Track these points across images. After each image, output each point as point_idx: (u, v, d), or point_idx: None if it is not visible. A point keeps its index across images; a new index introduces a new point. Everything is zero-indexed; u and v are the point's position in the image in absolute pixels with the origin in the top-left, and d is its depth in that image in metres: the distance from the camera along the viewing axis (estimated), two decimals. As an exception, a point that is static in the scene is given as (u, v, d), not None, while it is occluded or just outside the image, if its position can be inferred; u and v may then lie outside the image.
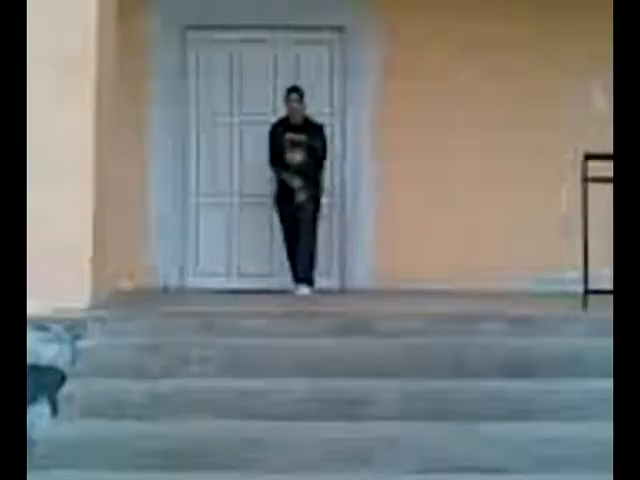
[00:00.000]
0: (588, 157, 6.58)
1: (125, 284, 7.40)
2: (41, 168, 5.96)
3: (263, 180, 8.93)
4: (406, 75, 8.99)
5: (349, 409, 5.13)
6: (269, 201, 8.84)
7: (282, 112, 8.75)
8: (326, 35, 9.40)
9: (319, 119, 8.80)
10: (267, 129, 8.71)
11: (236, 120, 9.36)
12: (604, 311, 5.34)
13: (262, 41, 9.32)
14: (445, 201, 9.04)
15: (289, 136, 8.58)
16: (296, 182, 8.44)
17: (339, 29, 9.32)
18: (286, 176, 8.52)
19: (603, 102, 8.48)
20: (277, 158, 8.61)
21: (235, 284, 9.00)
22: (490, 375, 5.38)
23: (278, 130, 8.65)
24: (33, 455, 4.83)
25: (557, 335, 5.74)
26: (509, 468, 4.69)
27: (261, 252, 9.21)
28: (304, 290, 8.22)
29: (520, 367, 5.43)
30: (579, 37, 8.98)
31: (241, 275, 9.21)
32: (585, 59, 8.88)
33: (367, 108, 9.23)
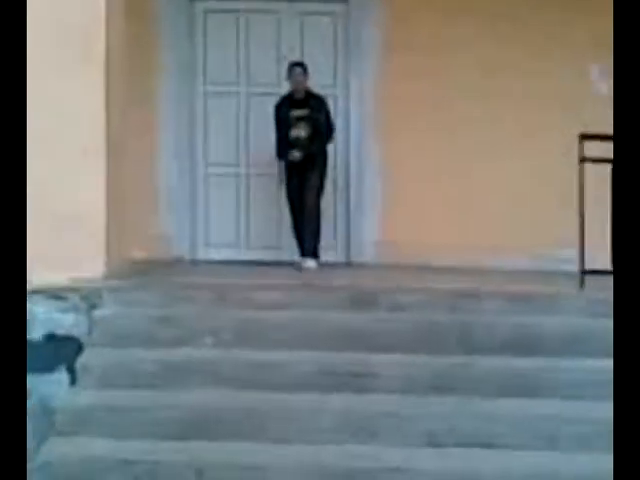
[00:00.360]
0: (584, 137, 6.64)
1: (138, 254, 7.48)
2: (54, 139, 6.09)
3: (271, 151, 8.84)
4: (409, 48, 8.98)
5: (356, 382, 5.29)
6: (277, 172, 8.82)
7: (286, 85, 8.71)
8: (330, 6, 9.41)
9: (323, 91, 8.77)
10: (273, 100, 8.68)
11: (243, 91, 9.37)
12: (600, 290, 5.53)
13: (268, 11, 9.33)
14: (449, 175, 9.05)
15: (294, 113, 8.53)
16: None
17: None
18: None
19: (603, 84, 8.54)
20: (284, 137, 8.54)
21: (244, 256, 9.05)
22: (493, 352, 5.53)
23: (283, 108, 8.61)
24: (53, 423, 5.05)
25: (555, 314, 5.85)
26: (511, 444, 4.85)
27: (270, 224, 9.24)
28: (311, 263, 8.29)
29: (521, 344, 5.55)
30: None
31: (250, 247, 9.24)
32: (585, 40, 8.88)
33: (371, 80, 9.23)
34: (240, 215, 9.35)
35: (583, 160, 6.62)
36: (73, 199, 6.17)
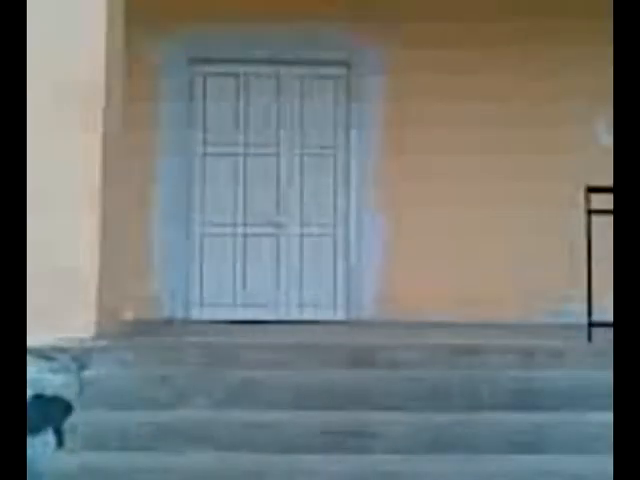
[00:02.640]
0: (590, 190, 6.58)
1: (130, 314, 7.37)
2: (49, 196, 5.99)
3: (268, 211, 8.81)
4: (410, 101, 9.04)
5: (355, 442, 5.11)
6: (274, 231, 8.72)
7: (287, 144, 8.53)
8: (331, 70, 9.40)
9: (325, 150, 8.68)
10: (272, 160, 8.57)
11: (241, 151, 9.31)
12: (609, 343, 5.33)
13: (267, 76, 9.33)
14: (449, 228, 9.03)
15: None
16: None
17: (344, 64, 9.35)
18: None
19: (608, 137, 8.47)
20: None
21: (240, 315, 8.92)
22: (498, 407, 5.36)
23: None
24: (39, 485, 4.87)
25: (563, 367, 5.72)
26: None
27: (266, 283, 9.15)
28: None
29: (527, 399, 5.40)
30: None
31: (246, 306, 9.11)
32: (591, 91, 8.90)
33: (371, 136, 9.21)
34: (236, 274, 9.21)
35: (590, 212, 6.54)
36: (65, 258, 6.04)
